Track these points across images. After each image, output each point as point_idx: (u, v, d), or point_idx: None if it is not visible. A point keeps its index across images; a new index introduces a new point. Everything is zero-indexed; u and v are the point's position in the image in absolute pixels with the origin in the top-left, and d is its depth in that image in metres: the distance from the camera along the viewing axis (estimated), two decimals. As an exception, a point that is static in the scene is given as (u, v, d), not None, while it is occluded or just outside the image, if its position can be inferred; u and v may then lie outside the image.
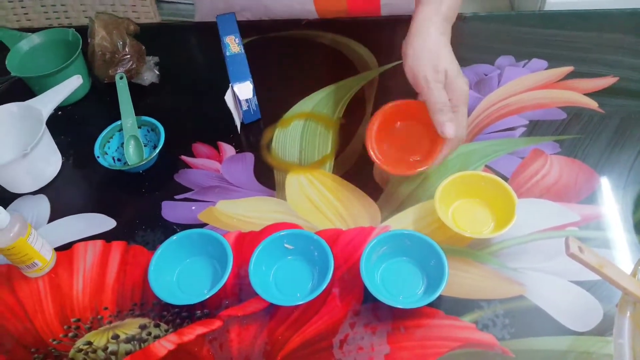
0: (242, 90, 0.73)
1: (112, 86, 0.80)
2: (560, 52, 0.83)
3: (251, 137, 0.77)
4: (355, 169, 0.71)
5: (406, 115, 0.68)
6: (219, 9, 0.92)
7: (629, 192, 0.66)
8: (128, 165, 0.73)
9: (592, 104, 0.76)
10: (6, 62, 0.80)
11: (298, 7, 0.90)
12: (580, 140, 0.72)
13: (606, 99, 0.76)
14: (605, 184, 0.67)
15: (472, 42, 0.88)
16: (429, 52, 0.62)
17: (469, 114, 0.76)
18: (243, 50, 0.77)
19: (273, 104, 0.79)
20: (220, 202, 0.69)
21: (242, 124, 0.78)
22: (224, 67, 0.76)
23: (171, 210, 0.69)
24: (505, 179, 0.68)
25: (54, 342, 0.59)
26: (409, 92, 0.79)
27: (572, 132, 0.73)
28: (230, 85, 0.73)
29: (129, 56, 0.82)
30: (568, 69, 0.81)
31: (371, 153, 0.66)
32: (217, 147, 0.76)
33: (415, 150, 0.68)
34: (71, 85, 0.76)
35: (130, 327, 0.60)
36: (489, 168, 0.70)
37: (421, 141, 0.67)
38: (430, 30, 0.63)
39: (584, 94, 0.77)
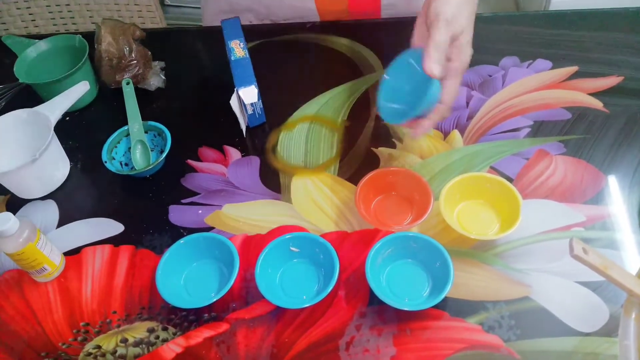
0: (247, 95, 0.73)
1: (119, 91, 0.81)
2: (565, 52, 0.83)
3: (257, 141, 0.77)
4: (360, 171, 0.71)
5: (381, 189, 0.68)
6: (223, 10, 0.93)
7: (634, 192, 0.66)
8: (135, 169, 0.73)
9: (597, 103, 0.76)
10: (14, 69, 0.81)
11: (299, 4, 0.90)
12: (585, 140, 0.72)
13: (611, 99, 0.76)
14: (610, 184, 0.67)
15: (476, 42, 0.86)
16: (453, 7, 0.60)
17: (472, 115, 0.76)
18: (248, 55, 0.77)
19: (278, 108, 0.80)
20: (227, 206, 0.70)
21: (247, 127, 0.79)
22: (229, 71, 0.76)
23: (178, 214, 0.70)
24: (510, 180, 0.68)
25: (64, 346, 0.60)
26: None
27: (577, 133, 0.73)
28: (235, 89, 0.74)
29: (135, 61, 0.83)
30: (572, 69, 0.80)
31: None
32: (223, 151, 0.76)
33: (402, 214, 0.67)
34: (78, 91, 0.77)
35: (139, 330, 0.60)
36: (493, 169, 0.70)
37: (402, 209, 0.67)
38: None
39: (589, 94, 0.77)
